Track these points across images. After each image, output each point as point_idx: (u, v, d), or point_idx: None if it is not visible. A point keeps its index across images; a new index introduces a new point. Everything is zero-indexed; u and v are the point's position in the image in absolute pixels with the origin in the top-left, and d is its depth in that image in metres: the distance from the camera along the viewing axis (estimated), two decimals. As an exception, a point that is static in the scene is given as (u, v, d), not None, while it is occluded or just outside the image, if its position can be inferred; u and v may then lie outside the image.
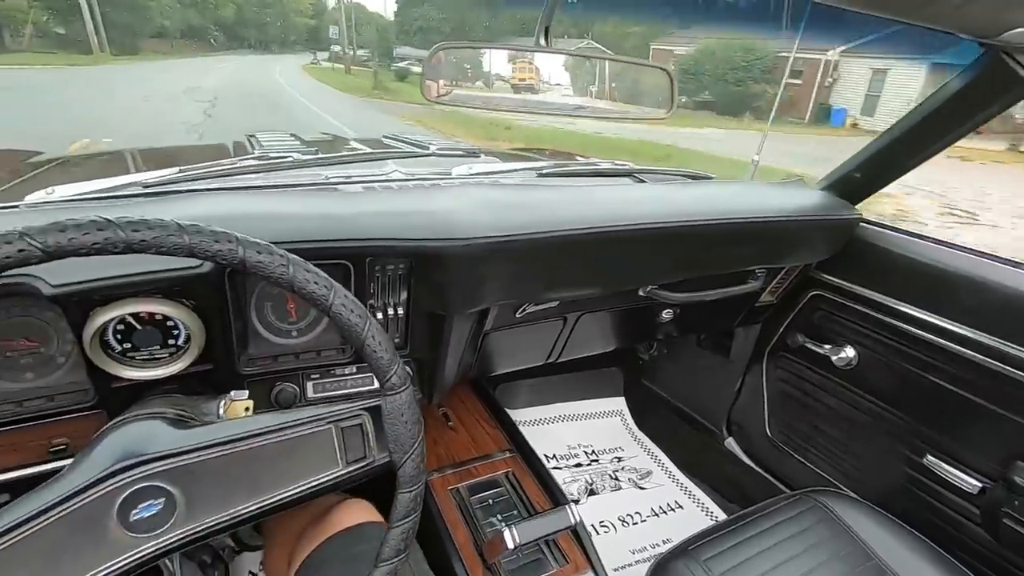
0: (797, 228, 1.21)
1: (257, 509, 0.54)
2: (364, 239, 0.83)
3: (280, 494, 0.55)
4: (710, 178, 1.43)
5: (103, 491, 0.50)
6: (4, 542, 0.46)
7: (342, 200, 0.98)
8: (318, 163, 1.17)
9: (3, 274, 0.44)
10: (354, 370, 1.00)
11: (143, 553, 0.51)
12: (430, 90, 0.83)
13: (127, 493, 0.51)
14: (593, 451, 1.83)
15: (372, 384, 1.01)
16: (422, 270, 0.93)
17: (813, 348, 1.40)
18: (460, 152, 1.48)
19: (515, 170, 1.31)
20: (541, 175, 1.28)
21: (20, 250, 0.43)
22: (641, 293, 1.21)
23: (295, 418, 0.57)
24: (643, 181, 1.31)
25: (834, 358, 1.35)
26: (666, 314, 1.39)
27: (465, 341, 1.09)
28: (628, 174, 1.34)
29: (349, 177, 1.15)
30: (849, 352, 1.33)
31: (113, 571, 0.50)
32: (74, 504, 0.49)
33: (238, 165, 1.09)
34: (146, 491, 0.52)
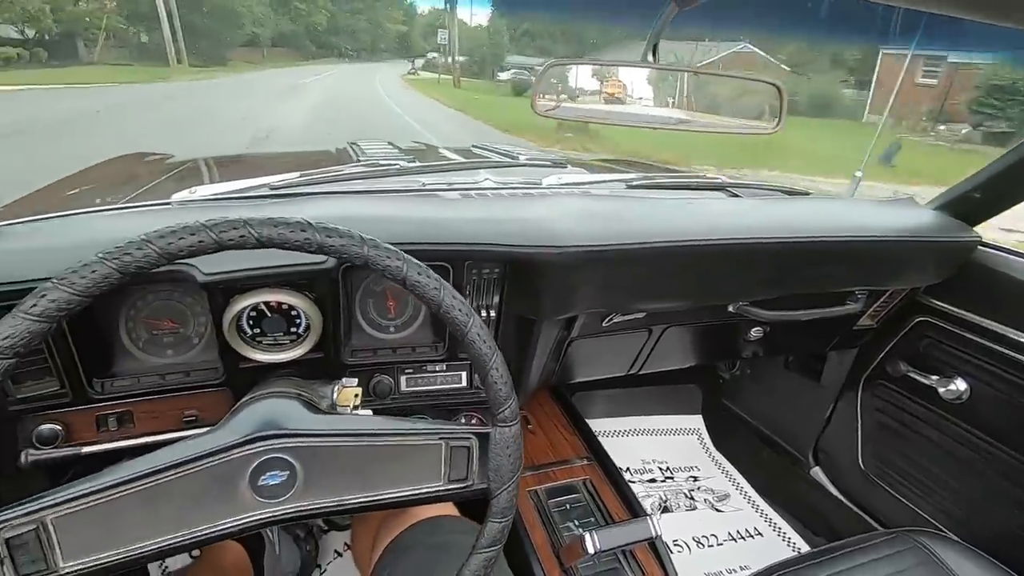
0: (905, 249, 1.14)
1: (361, 503, 0.59)
2: (464, 243, 0.88)
3: (385, 494, 0.60)
4: (807, 194, 1.38)
5: (243, 453, 0.56)
6: (163, 477, 0.53)
7: (442, 206, 1.03)
8: (418, 171, 1.24)
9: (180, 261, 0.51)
10: (444, 368, 1.05)
11: (261, 517, 0.56)
12: (540, 104, 0.87)
13: (261, 459, 0.57)
14: (668, 468, 1.79)
15: (460, 383, 1.06)
16: (516, 275, 0.97)
17: (917, 378, 1.31)
18: (548, 163, 1.52)
19: (604, 181, 1.33)
20: (630, 187, 1.29)
21: (241, 236, 0.50)
22: (730, 309, 1.19)
23: (413, 427, 0.61)
24: (737, 195, 1.29)
25: (942, 390, 1.25)
26: (755, 332, 1.35)
27: (551, 347, 1.11)
28: (721, 188, 1.32)
29: (445, 184, 1.21)
30: (959, 384, 1.24)
31: (235, 526, 0.56)
32: (219, 459, 0.56)
33: (349, 171, 1.18)
34: (275, 461, 0.58)
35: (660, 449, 1.85)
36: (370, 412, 0.78)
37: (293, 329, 0.87)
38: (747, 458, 1.84)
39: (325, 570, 1.38)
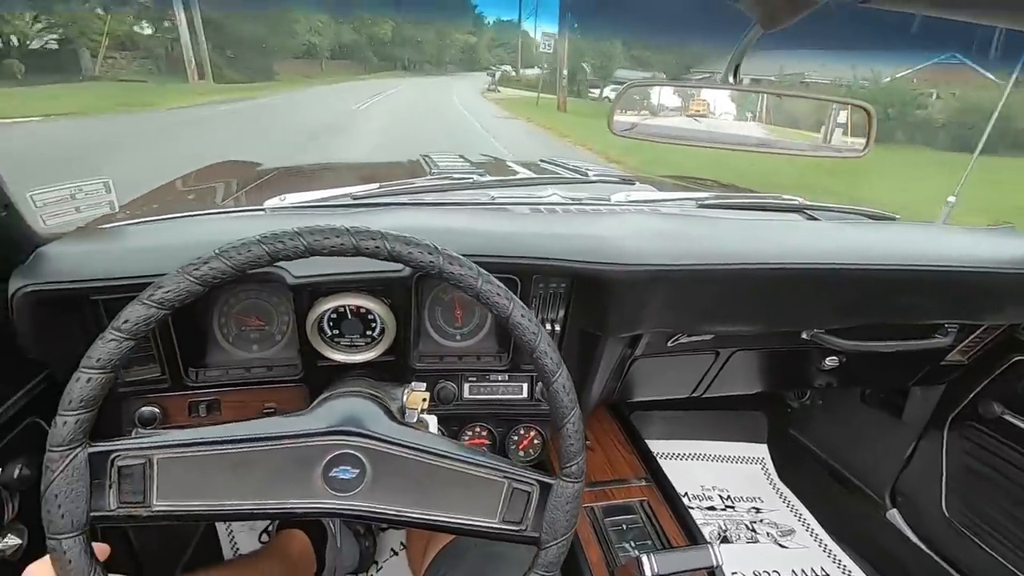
0: (1006, 281, 1.06)
1: (416, 519, 0.61)
2: (533, 257, 0.90)
3: (439, 517, 0.61)
4: (894, 218, 1.31)
5: (324, 442, 0.60)
6: (252, 446, 0.57)
7: (512, 220, 1.06)
8: (491, 185, 1.28)
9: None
10: (506, 378, 1.07)
11: (325, 507, 0.59)
12: (618, 124, 0.88)
13: (338, 452, 0.60)
14: (729, 496, 1.73)
15: (522, 393, 1.08)
16: (582, 291, 0.98)
17: (1014, 421, 1.21)
18: (616, 179, 1.52)
19: (674, 200, 1.31)
20: (701, 205, 1.27)
21: (376, 246, 0.55)
22: (804, 336, 1.14)
23: (481, 459, 0.62)
24: (815, 218, 1.24)
25: None
26: (829, 361, 1.29)
27: (614, 364, 1.11)
28: (798, 209, 1.27)
29: (514, 198, 1.23)
30: None
31: (301, 509, 0.59)
32: (302, 442, 0.59)
33: (423, 184, 1.23)
34: (349, 457, 0.61)
35: (721, 476, 1.79)
36: (435, 417, 0.81)
37: (369, 332, 0.91)
38: (815, 493, 1.74)
39: (381, 567, 1.42)
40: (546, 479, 0.62)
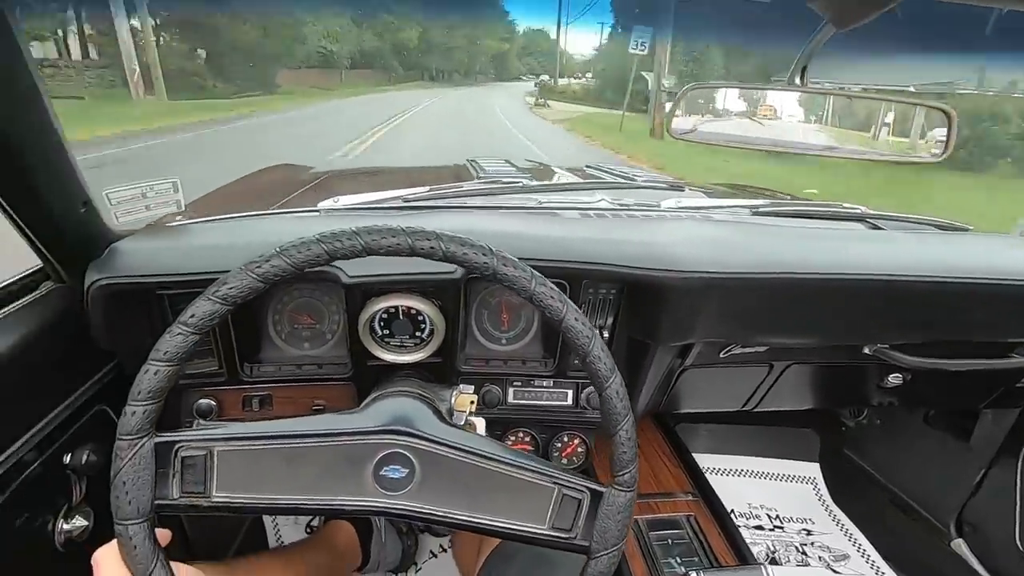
0: None
1: (464, 521, 0.60)
2: (585, 262, 0.88)
3: (488, 521, 0.60)
4: (966, 229, 1.23)
5: (375, 440, 0.60)
6: (306, 442, 0.59)
7: (561, 224, 1.05)
8: (539, 189, 1.27)
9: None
10: (551, 384, 1.06)
11: (375, 505, 0.60)
12: (678, 128, 0.86)
13: (388, 451, 0.61)
14: (778, 516, 1.66)
15: (567, 400, 1.06)
16: (633, 297, 0.96)
17: None
18: (665, 185, 1.49)
19: (726, 206, 1.28)
20: (755, 213, 1.23)
21: (431, 247, 0.56)
22: (866, 351, 1.09)
23: (530, 463, 0.62)
24: (878, 227, 1.18)
25: None
26: (892, 379, 1.22)
27: (663, 373, 1.08)
28: (860, 219, 1.22)
29: (562, 203, 1.23)
30: None
31: (352, 507, 0.60)
32: (354, 440, 0.60)
33: (472, 187, 1.24)
34: (399, 457, 0.61)
35: (770, 495, 1.71)
36: (483, 420, 0.80)
37: (418, 333, 0.92)
38: (872, 518, 1.65)
39: (420, 568, 1.43)
40: (598, 487, 0.61)
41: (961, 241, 1.15)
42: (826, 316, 0.98)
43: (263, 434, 0.58)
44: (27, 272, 0.80)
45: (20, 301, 0.75)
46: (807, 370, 1.21)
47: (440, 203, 1.14)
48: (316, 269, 0.56)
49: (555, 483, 0.61)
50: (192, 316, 0.53)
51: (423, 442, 0.61)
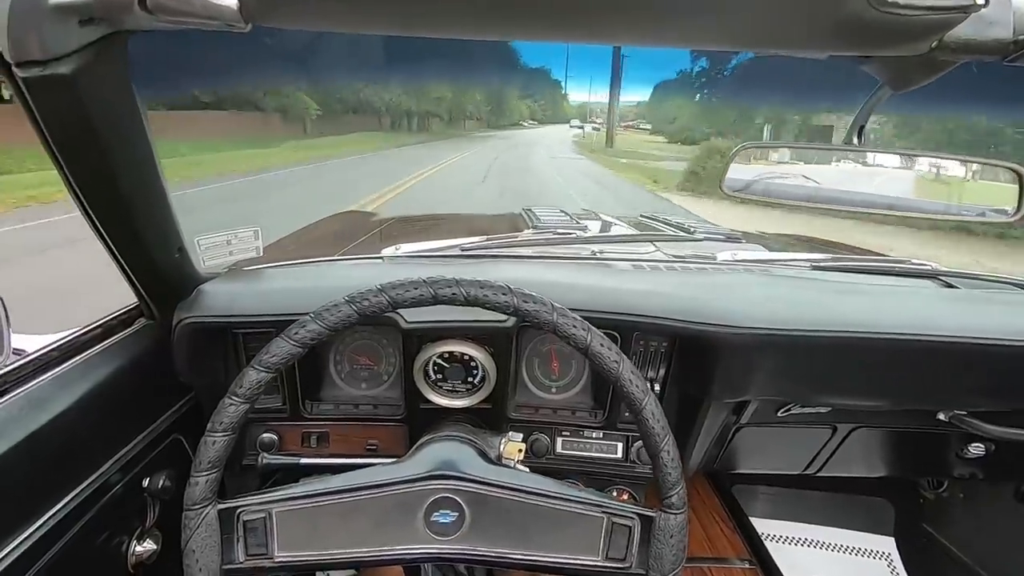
0: None
1: (519, 560, 0.61)
2: (636, 314, 0.89)
3: (542, 557, 0.61)
4: None
5: (424, 487, 0.62)
6: (359, 495, 0.61)
7: (614, 276, 1.06)
8: (592, 240, 1.30)
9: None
10: (600, 436, 1.04)
11: (428, 551, 0.61)
12: (731, 184, 0.87)
13: (437, 496, 0.62)
14: (847, 594, 1.53)
15: (616, 453, 1.05)
16: (685, 351, 0.95)
17: None
18: (721, 236, 1.48)
19: (786, 260, 1.25)
20: (816, 267, 1.19)
21: (453, 293, 0.59)
22: (942, 417, 1.02)
23: (577, 495, 0.62)
24: (953, 286, 1.12)
25: None
26: (974, 448, 1.13)
27: (716, 430, 1.05)
28: (932, 276, 1.16)
29: (616, 254, 1.24)
30: None
31: (407, 554, 0.61)
32: (404, 488, 0.62)
33: (527, 237, 1.28)
34: (448, 501, 0.63)
35: (838, 568, 1.58)
36: (527, 469, 0.81)
37: (470, 379, 0.94)
38: None
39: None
40: (646, 512, 0.60)
41: None
42: (894, 378, 0.93)
43: (318, 492, 0.61)
44: (125, 309, 0.89)
45: (118, 335, 0.84)
46: (875, 434, 1.14)
47: (496, 252, 1.18)
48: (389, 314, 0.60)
49: (604, 512, 0.61)
50: (242, 386, 0.58)
51: (468, 484, 0.62)
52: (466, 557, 0.61)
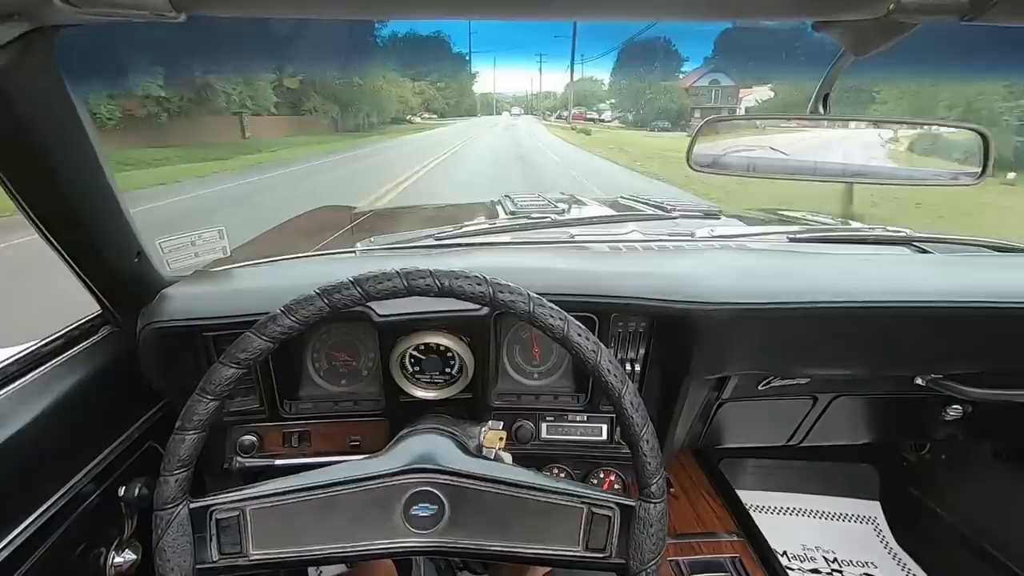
0: None
1: (499, 551, 0.61)
2: (613, 296, 0.88)
3: (522, 548, 0.61)
4: (1023, 250, 1.16)
5: (401, 481, 0.62)
6: (334, 491, 0.60)
7: (591, 259, 1.05)
8: (570, 223, 1.28)
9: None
10: (584, 419, 1.04)
11: (409, 545, 0.61)
12: (697, 159, 0.87)
13: (415, 490, 0.62)
14: (836, 559, 1.55)
15: (601, 435, 1.05)
16: (664, 330, 0.94)
17: None
18: (699, 213, 1.47)
19: (763, 234, 1.25)
20: (793, 240, 1.20)
21: (427, 284, 0.58)
22: (919, 382, 1.03)
23: (555, 486, 0.62)
24: (926, 251, 1.13)
25: None
26: (952, 411, 1.15)
27: (699, 407, 1.06)
28: (906, 242, 1.16)
29: (594, 236, 1.23)
30: None
31: (386, 549, 0.60)
32: (380, 483, 0.61)
33: (502, 223, 1.26)
34: (427, 494, 0.62)
35: (826, 535, 1.61)
36: (510, 455, 0.80)
37: (448, 370, 0.93)
38: (941, 562, 1.52)
39: (458, 606, 1.40)
40: (626, 501, 0.60)
41: (1020, 263, 1.08)
42: (871, 346, 0.94)
43: (292, 488, 0.60)
44: (88, 317, 0.86)
45: (81, 345, 0.81)
46: (856, 402, 1.15)
47: (471, 240, 1.17)
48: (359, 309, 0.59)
49: (583, 502, 0.60)
50: (211, 383, 0.56)
51: (447, 477, 0.62)
52: (446, 549, 0.61)
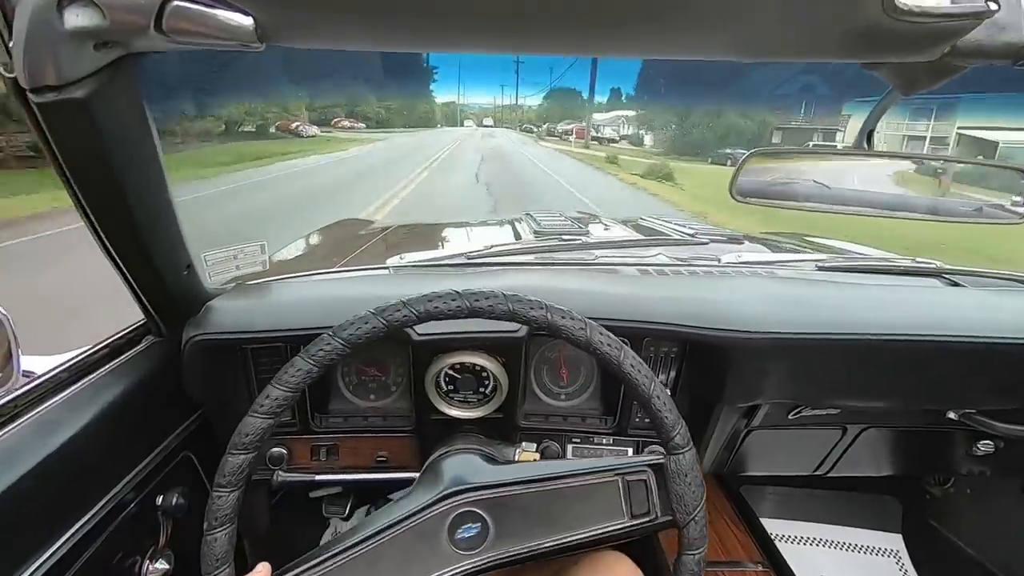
0: None
1: (553, 545, 0.60)
2: (646, 321, 0.89)
3: (573, 535, 0.61)
4: None
5: (439, 510, 0.62)
6: (372, 543, 0.59)
7: (622, 282, 1.06)
8: (596, 246, 1.29)
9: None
10: (611, 441, 1.04)
11: (462, 568, 0.60)
12: (741, 189, 0.88)
13: (455, 514, 0.62)
14: (858, 593, 1.52)
15: (627, 457, 1.04)
16: (696, 357, 0.95)
17: None
18: (724, 238, 1.48)
19: (790, 261, 1.25)
20: (821, 268, 1.20)
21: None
22: (952, 416, 1.02)
23: (586, 466, 0.63)
24: (957, 284, 1.13)
25: None
26: (983, 446, 1.13)
27: (727, 434, 1.05)
28: (936, 274, 1.16)
29: (619, 258, 1.24)
30: None
31: None
32: (419, 518, 0.61)
33: (531, 244, 1.28)
34: (467, 515, 0.62)
35: (848, 567, 1.58)
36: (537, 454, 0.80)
37: (481, 389, 0.94)
38: None
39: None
40: (655, 460, 0.61)
41: None
42: (904, 379, 0.93)
43: (334, 552, 0.59)
44: (132, 326, 0.88)
45: (127, 354, 0.83)
46: (885, 434, 1.14)
47: (500, 259, 1.18)
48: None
49: (616, 474, 0.61)
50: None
51: (480, 491, 0.62)
52: (501, 561, 0.60)
